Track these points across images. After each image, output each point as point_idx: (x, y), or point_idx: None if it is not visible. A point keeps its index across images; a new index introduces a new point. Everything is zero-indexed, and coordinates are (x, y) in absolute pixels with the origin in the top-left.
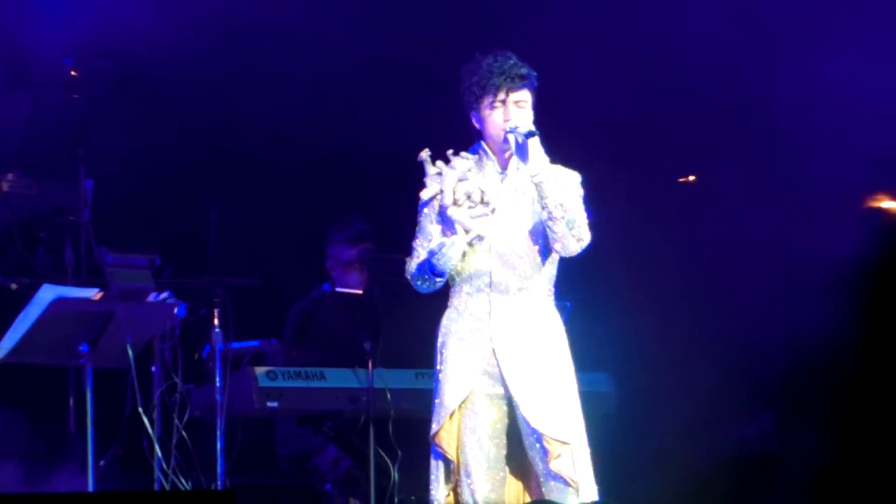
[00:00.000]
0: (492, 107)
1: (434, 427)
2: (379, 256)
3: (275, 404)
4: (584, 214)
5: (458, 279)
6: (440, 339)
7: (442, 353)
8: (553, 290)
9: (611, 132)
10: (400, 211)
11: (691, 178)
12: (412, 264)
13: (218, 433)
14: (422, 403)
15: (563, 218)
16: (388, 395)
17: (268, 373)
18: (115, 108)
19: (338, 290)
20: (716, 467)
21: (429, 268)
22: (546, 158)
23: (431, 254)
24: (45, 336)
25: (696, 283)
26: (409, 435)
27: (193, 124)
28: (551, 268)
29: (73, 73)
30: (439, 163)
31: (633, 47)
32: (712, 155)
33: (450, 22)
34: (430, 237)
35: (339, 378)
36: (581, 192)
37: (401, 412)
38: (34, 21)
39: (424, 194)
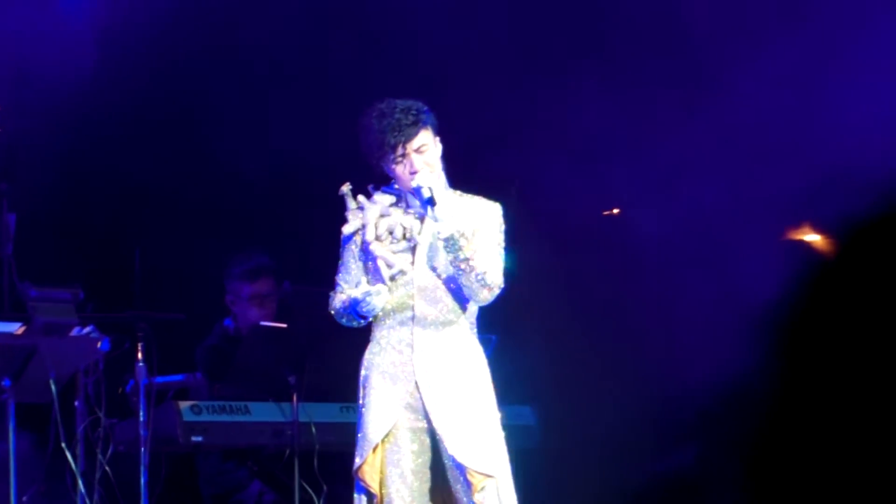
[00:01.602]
0: (396, 162)
1: (357, 461)
2: (302, 290)
3: (199, 438)
4: (500, 255)
5: (381, 313)
6: (363, 373)
7: (364, 387)
8: (475, 323)
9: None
10: (323, 243)
11: (615, 210)
12: (336, 300)
13: (142, 468)
14: (347, 437)
15: (471, 272)
16: (314, 429)
17: (192, 407)
18: (38, 142)
19: (261, 323)
20: (639, 498)
21: (353, 311)
22: (452, 211)
23: (355, 302)
24: None
25: (619, 316)
26: (335, 469)
27: (118, 158)
28: (474, 302)
29: None
30: (360, 197)
31: None
32: (631, 188)
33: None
34: (351, 272)
35: (263, 412)
36: (501, 226)
37: (326, 446)
38: None
39: (346, 229)
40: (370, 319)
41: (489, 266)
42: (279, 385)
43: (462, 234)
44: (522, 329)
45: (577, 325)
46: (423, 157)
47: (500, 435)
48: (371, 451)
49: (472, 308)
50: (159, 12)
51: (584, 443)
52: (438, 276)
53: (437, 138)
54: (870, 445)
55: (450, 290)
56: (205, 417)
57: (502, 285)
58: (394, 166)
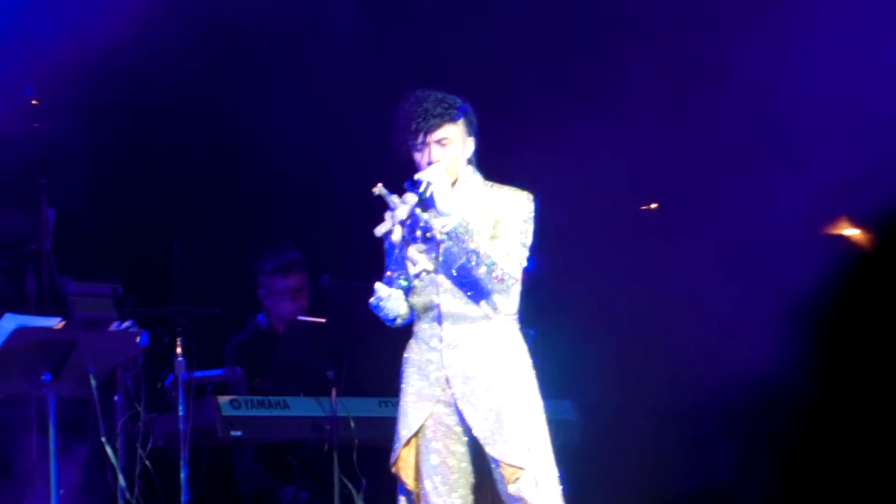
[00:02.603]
0: (416, 149)
1: (393, 456)
2: (340, 284)
3: (238, 433)
4: (518, 245)
5: (417, 308)
6: (402, 369)
7: (402, 383)
8: (516, 316)
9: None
10: (358, 237)
11: (653, 205)
12: (373, 298)
13: (181, 462)
14: (386, 432)
15: (479, 264)
16: (352, 424)
17: (231, 402)
18: (77, 137)
19: (300, 318)
20: (677, 495)
21: (377, 311)
22: (455, 205)
23: (373, 307)
24: (8, 365)
25: (656, 310)
26: (373, 463)
27: (156, 153)
28: (508, 296)
29: (34, 101)
30: (394, 197)
31: None
32: (673, 182)
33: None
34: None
35: (302, 407)
36: (527, 215)
37: (365, 440)
38: None
39: (378, 230)
40: (398, 322)
41: (501, 257)
42: (318, 380)
43: (466, 228)
44: (562, 324)
45: (615, 320)
46: (444, 150)
47: (538, 426)
48: (404, 446)
49: (507, 300)
50: (197, 6)
51: (622, 438)
52: (452, 274)
53: (471, 138)
54: None
55: (466, 284)
56: (244, 412)
57: (517, 277)
58: (417, 154)
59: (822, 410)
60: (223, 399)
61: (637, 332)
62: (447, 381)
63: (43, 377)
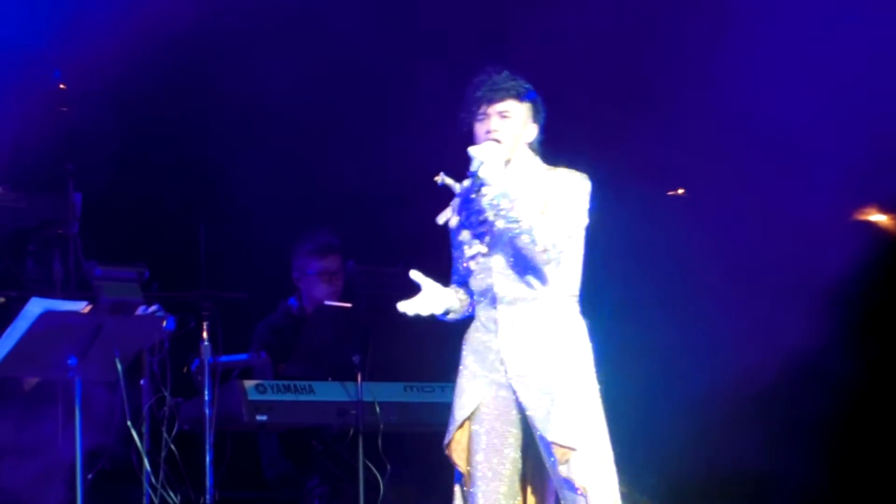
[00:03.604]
0: (477, 119)
1: (446, 438)
2: (366, 269)
3: (264, 418)
4: (566, 220)
5: (475, 292)
6: (462, 352)
7: (459, 365)
8: (577, 296)
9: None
10: (384, 222)
11: (680, 191)
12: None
13: (207, 447)
14: (411, 417)
15: (521, 233)
16: (378, 409)
17: (257, 386)
18: (104, 121)
19: (326, 303)
20: (708, 481)
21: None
22: (501, 177)
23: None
24: (34, 349)
25: (686, 294)
26: (398, 448)
27: (181, 137)
28: (565, 275)
29: (61, 86)
30: (455, 185)
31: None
32: (701, 167)
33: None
34: (456, 263)
35: (328, 391)
36: (579, 195)
37: (390, 426)
38: (24, 34)
39: (440, 219)
40: (450, 316)
41: (544, 227)
42: (344, 365)
43: (510, 198)
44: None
45: (648, 305)
46: (503, 123)
47: (593, 408)
48: (458, 427)
49: (564, 281)
50: None
51: (650, 421)
52: (505, 251)
53: (535, 125)
54: None
55: (516, 259)
56: (269, 396)
57: (561, 248)
58: (477, 123)
59: (857, 395)
60: (249, 383)
61: (666, 316)
62: (502, 362)
63: (69, 361)
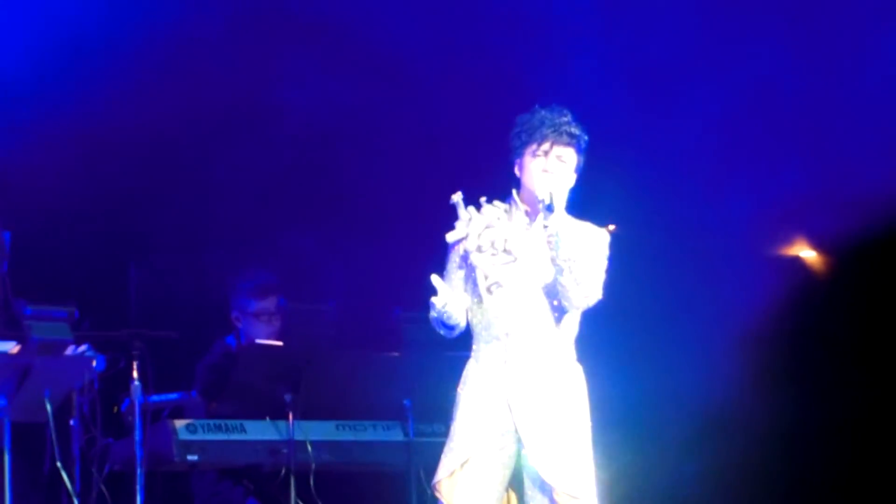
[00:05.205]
0: (534, 154)
1: (439, 474)
2: (297, 307)
3: (195, 458)
4: (601, 274)
5: (478, 327)
6: (460, 385)
7: (459, 400)
8: (574, 346)
9: None
10: (316, 259)
11: (611, 227)
12: (433, 312)
13: (138, 487)
14: (344, 455)
15: (571, 271)
16: (310, 447)
17: (187, 426)
18: (31, 159)
19: (257, 341)
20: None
21: (439, 324)
22: (565, 217)
23: (436, 320)
24: None
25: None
26: (331, 487)
27: (111, 174)
28: (572, 323)
29: None
30: (470, 207)
31: None
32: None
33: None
34: (452, 281)
35: (259, 430)
36: (606, 251)
37: (322, 464)
38: None
39: (450, 237)
40: (458, 330)
41: (588, 276)
42: (275, 403)
43: (568, 234)
44: None
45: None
46: (560, 167)
47: (591, 460)
48: (459, 466)
49: (569, 329)
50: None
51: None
52: (534, 287)
53: (576, 176)
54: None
55: (547, 306)
56: (200, 436)
57: (600, 296)
58: (531, 158)
59: (775, 431)
60: (179, 423)
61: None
62: (507, 403)
63: None
